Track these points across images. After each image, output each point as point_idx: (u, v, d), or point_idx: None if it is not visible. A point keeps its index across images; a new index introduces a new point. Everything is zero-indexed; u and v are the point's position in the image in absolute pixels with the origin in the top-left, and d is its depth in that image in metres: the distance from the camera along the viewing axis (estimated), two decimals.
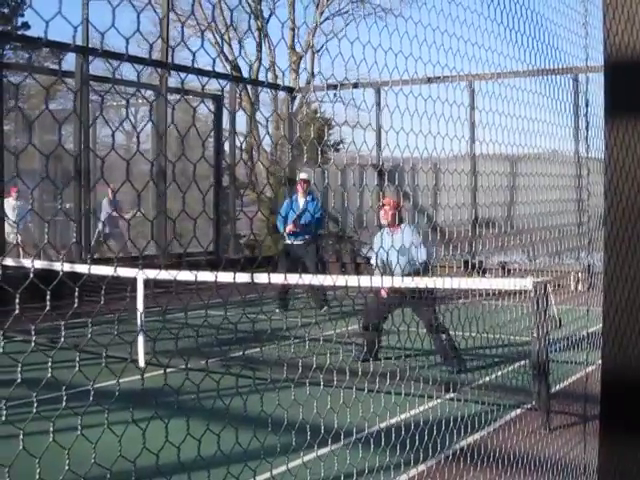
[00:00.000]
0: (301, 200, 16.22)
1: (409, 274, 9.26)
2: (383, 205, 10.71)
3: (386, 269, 9.87)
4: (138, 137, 6.79)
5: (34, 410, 2.30)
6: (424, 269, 9.77)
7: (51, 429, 2.38)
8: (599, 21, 3.82)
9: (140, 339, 10.17)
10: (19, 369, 2.23)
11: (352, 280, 7.84)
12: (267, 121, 35.41)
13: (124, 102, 22.08)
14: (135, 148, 19.49)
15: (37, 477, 2.30)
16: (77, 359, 2.49)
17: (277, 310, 15.02)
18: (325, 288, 14.27)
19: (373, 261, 11.03)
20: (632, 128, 3.10)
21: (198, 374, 3.35)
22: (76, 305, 2.28)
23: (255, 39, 35.43)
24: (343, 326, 7.27)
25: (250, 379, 4.01)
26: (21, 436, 2.34)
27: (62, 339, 2.65)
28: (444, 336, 9.94)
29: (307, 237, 16.05)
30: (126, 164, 2.40)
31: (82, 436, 2.42)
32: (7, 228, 17.14)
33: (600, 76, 3.53)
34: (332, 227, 23.29)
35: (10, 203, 19.19)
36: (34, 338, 2.48)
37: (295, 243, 15.95)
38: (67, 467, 2.33)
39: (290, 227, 15.80)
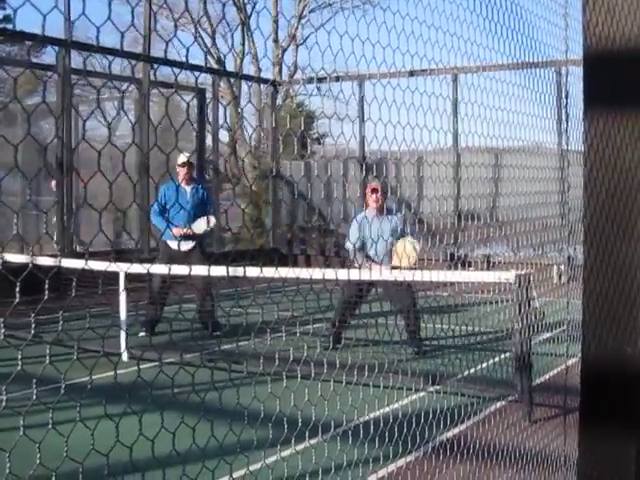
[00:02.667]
0: (187, 188, 12.48)
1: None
2: (374, 190, 10.64)
3: (370, 255, 9.94)
4: (110, 127, 6.72)
5: (3, 404, 2.27)
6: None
7: (22, 423, 2.35)
8: (579, 12, 3.81)
9: (122, 333, 10.14)
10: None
11: (330, 273, 7.83)
12: (240, 113, 35.34)
13: (107, 96, 22.02)
14: (117, 141, 19.43)
15: (7, 472, 2.27)
16: (48, 352, 2.45)
17: (141, 334, 11.89)
18: (214, 310, 12.09)
19: (350, 246, 10.91)
20: (611, 119, 3.09)
21: (175, 368, 3.32)
22: (46, 298, 2.24)
23: (238, 32, 35.37)
24: (322, 320, 7.25)
25: (227, 372, 3.98)
26: None
27: (32, 332, 2.61)
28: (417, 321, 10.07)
29: (194, 240, 12.34)
30: (98, 156, 2.36)
31: (55, 430, 2.39)
32: None
33: (580, 68, 3.51)
34: (315, 221, 23.28)
35: None
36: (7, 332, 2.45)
37: (182, 250, 12.11)
38: (38, 461, 2.31)
39: (179, 231, 12.13)
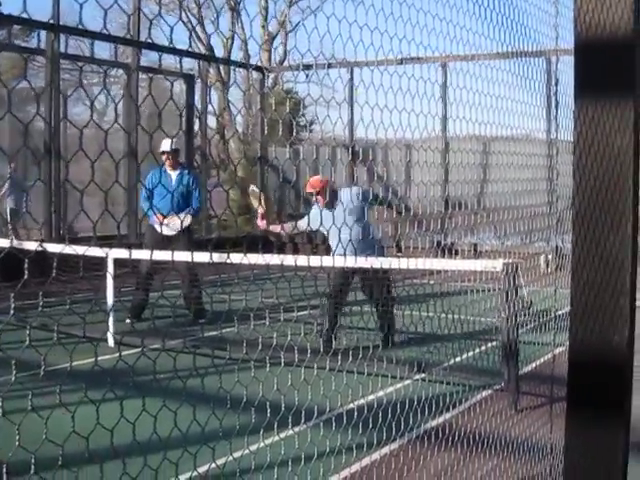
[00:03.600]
0: (172, 174, 12.55)
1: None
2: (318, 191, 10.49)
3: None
4: (92, 108, 6.67)
5: None
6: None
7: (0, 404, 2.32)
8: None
9: (110, 319, 10.11)
10: None
11: (314, 260, 7.81)
12: (226, 99, 35.27)
13: (96, 80, 21.93)
14: (106, 127, 19.27)
15: None
16: (29, 336, 2.42)
17: (127, 320, 11.75)
18: (200, 296, 12.18)
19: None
20: (601, 107, 3.07)
21: (162, 354, 3.29)
22: (24, 281, 2.21)
23: (227, 18, 35.26)
24: (305, 307, 7.22)
25: (209, 358, 3.96)
26: None
27: (11, 314, 2.58)
28: (392, 311, 10.10)
29: (184, 226, 12.14)
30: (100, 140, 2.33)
31: (35, 413, 2.37)
32: None
33: (570, 56, 3.49)
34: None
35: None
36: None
37: (167, 234, 11.97)
38: (17, 444, 2.28)
39: (159, 218, 12.14)
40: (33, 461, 2.38)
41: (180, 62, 23.60)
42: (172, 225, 12.09)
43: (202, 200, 13.00)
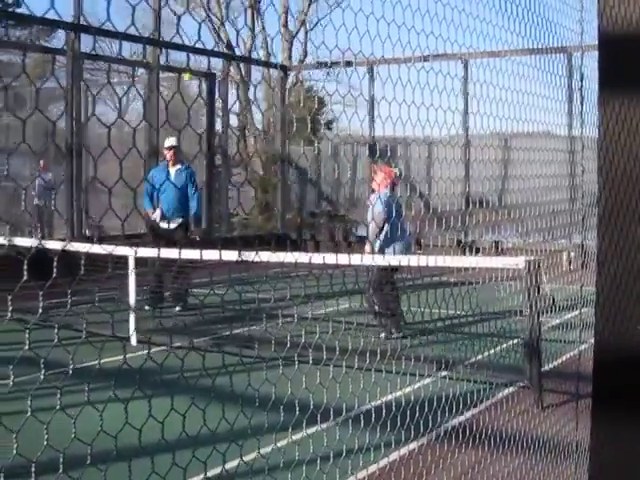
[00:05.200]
0: (172, 170, 13.30)
1: None
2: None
3: None
4: (119, 113, 6.70)
5: (9, 388, 2.25)
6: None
7: (29, 404, 2.33)
8: None
9: (132, 318, 10.14)
10: None
11: (343, 258, 7.79)
12: (254, 99, 35.29)
13: (116, 80, 22.00)
14: (127, 126, 19.37)
15: (14, 452, 2.26)
16: (56, 335, 2.43)
17: (147, 307, 12.60)
18: (190, 285, 12.91)
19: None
20: (627, 101, 3.06)
21: (184, 353, 3.30)
22: (50, 282, 2.22)
23: (247, 17, 35.24)
24: (334, 305, 7.22)
25: (238, 357, 3.97)
26: None
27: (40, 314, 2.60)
28: (391, 303, 10.40)
29: (181, 219, 13.12)
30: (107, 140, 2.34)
31: (64, 412, 2.37)
32: None
33: (595, 51, 3.47)
34: (324, 206, 23.24)
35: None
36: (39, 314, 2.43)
37: (166, 227, 13.04)
38: (45, 443, 2.29)
39: (148, 213, 13.06)
40: (62, 460, 2.39)
41: (208, 60, 23.60)
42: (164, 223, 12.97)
43: (198, 197, 13.58)
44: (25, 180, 19.48)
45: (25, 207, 18.80)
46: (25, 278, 2.13)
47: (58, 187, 19.68)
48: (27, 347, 2.21)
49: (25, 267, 2.14)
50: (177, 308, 12.63)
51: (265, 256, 7.66)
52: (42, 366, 2.36)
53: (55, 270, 2.26)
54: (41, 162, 19.77)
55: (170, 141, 13.26)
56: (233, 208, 22.06)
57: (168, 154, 13.22)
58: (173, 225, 13.00)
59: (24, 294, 2.10)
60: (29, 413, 2.30)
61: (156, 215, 13.02)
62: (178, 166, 13.29)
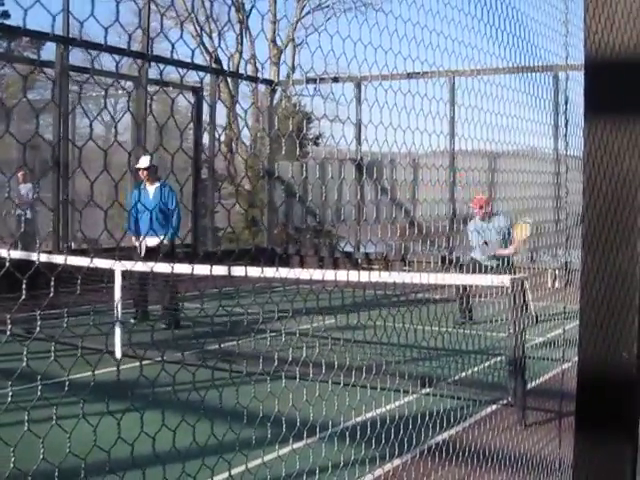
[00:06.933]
0: (150, 189, 13.06)
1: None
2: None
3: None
4: (116, 127, 6.74)
5: (9, 400, 2.28)
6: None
7: (26, 418, 2.36)
8: (580, 19, 3.83)
9: (117, 331, 10.15)
10: None
11: (329, 274, 7.83)
12: (246, 114, 35.34)
13: (103, 92, 22.02)
14: (113, 139, 19.32)
15: (11, 466, 2.29)
16: (52, 349, 2.46)
17: (132, 321, 12.50)
18: (177, 301, 12.91)
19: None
20: (610, 126, 3.11)
21: (174, 366, 3.34)
22: (52, 295, 2.26)
23: (236, 32, 35.37)
24: (320, 320, 7.27)
25: (226, 372, 4.00)
26: None
27: (37, 329, 2.63)
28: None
29: (164, 236, 12.81)
30: (103, 154, 2.39)
31: (57, 426, 2.41)
32: None
33: (580, 74, 3.53)
34: (310, 221, 23.28)
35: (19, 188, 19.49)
36: (9, 328, 2.47)
37: (149, 246, 12.50)
38: (42, 457, 2.32)
39: (137, 240, 12.77)
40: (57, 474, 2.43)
41: (198, 75, 23.63)
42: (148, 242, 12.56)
43: (179, 216, 13.45)
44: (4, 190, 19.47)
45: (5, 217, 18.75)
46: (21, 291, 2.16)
47: (32, 199, 19.64)
48: (25, 363, 2.24)
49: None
50: (163, 325, 12.53)
51: (254, 271, 7.69)
52: (39, 382, 2.40)
53: (37, 282, 2.29)
54: (19, 174, 19.68)
55: (143, 161, 12.97)
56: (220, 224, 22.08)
57: (143, 174, 12.97)
58: (155, 242, 12.62)
59: (2, 306, 2.13)
60: (26, 427, 2.33)
61: (140, 243, 12.68)
62: (156, 184, 13.07)
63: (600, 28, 3.15)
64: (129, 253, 12.99)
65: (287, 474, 4.09)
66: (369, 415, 4.93)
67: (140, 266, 10.65)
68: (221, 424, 3.15)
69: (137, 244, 12.67)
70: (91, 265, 8.06)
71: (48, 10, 2.25)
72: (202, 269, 8.92)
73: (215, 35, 36.10)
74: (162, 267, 10.68)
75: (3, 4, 34.92)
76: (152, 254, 12.23)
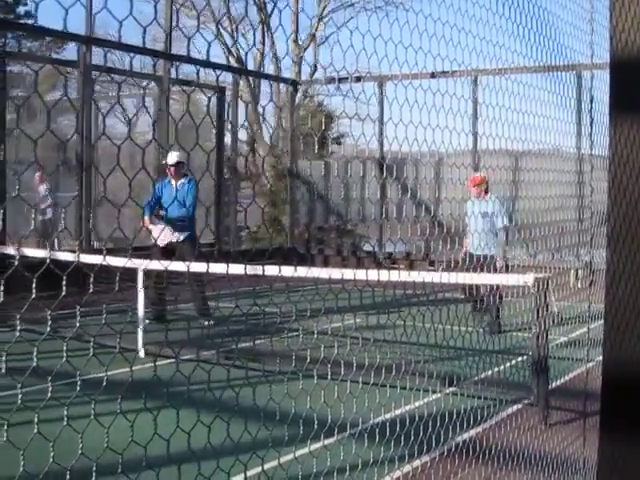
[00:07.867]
0: (174, 184, 13.27)
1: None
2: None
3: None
4: (130, 124, 6.76)
5: (48, 396, 2.31)
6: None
7: (35, 419, 2.38)
8: (605, 18, 3.81)
9: (140, 330, 10.18)
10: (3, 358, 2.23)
11: (348, 273, 7.82)
12: (264, 111, 35.38)
13: (127, 92, 22.08)
14: (137, 138, 19.48)
15: (50, 461, 2.31)
16: (65, 348, 2.47)
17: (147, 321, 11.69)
18: (207, 298, 13.01)
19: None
20: (637, 125, 3.10)
21: (192, 365, 3.35)
22: (87, 294, 2.27)
23: (257, 31, 35.38)
24: (340, 320, 7.27)
25: (244, 370, 4.01)
26: (5, 427, 2.35)
27: (77, 325, 2.64)
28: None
29: (187, 232, 13.04)
30: (117, 151, 2.39)
31: (69, 426, 2.41)
32: None
33: (605, 73, 3.52)
34: (333, 220, 23.23)
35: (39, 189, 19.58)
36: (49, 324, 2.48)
37: (170, 242, 12.74)
38: (51, 458, 2.33)
39: (146, 222, 12.89)
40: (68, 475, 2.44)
41: (215, 73, 23.68)
42: (164, 236, 12.67)
43: (193, 205, 13.40)
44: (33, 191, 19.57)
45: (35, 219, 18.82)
46: (35, 290, 2.17)
47: (53, 200, 19.77)
48: (35, 358, 2.26)
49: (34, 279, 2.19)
50: (205, 323, 12.49)
51: (276, 270, 7.71)
52: (49, 381, 2.41)
53: (65, 281, 2.30)
54: (36, 175, 19.75)
55: (172, 157, 13.23)
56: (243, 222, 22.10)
57: (171, 170, 13.23)
58: (180, 238, 12.89)
59: (33, 305, 2.14)
60: (36, 429, 2.34)
61: (161, 232, 12.70)
62: (182, 180, 13.24)
63: (626, 27, 3.13)
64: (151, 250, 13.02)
65: (304, 475, 4.09)
66: (392, 414, 4.93)
67: (176, 265, 10.67)
68: (254, 421, 3.19)
69: (150, 227, 12.90)
70: (123, 265, 8.08)
71: (65, 8, 2.27)
72: (235, 269, 8.92)
73: (238, 35, 36.19)
74: (180, 266, 10.66)
75: (26, 4, 35.06)
76: (169, 252, 12.48)
